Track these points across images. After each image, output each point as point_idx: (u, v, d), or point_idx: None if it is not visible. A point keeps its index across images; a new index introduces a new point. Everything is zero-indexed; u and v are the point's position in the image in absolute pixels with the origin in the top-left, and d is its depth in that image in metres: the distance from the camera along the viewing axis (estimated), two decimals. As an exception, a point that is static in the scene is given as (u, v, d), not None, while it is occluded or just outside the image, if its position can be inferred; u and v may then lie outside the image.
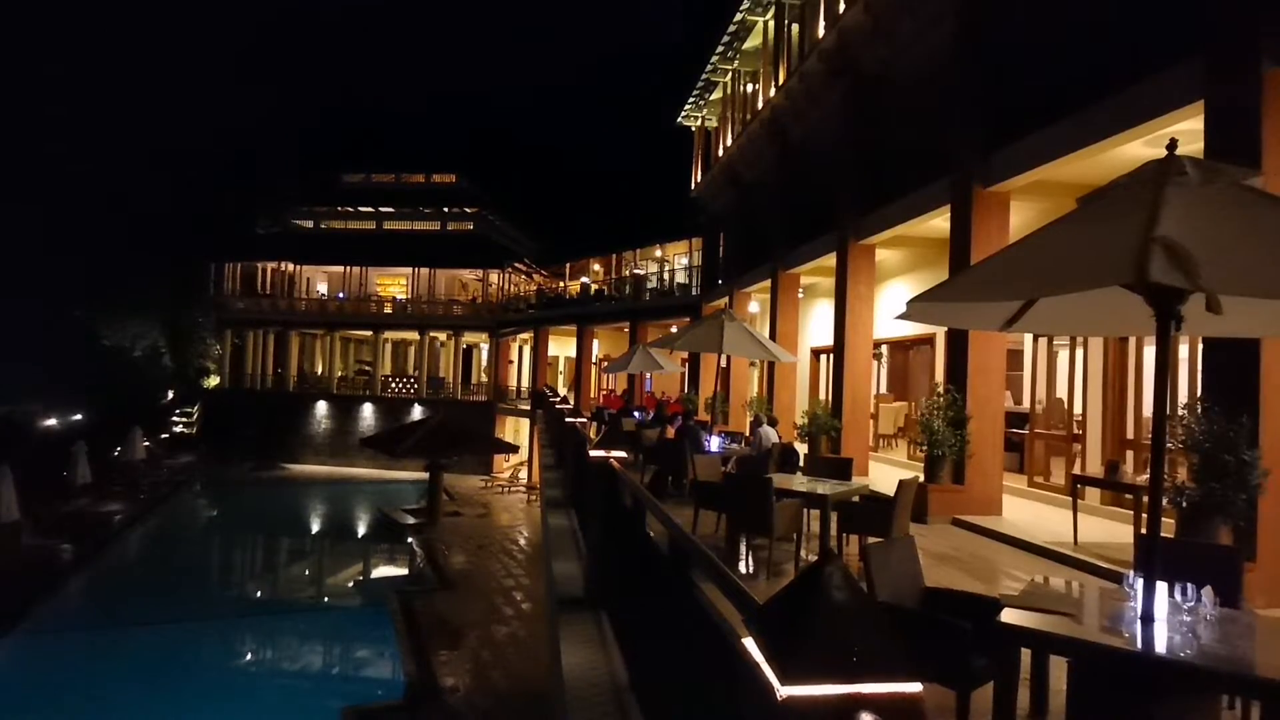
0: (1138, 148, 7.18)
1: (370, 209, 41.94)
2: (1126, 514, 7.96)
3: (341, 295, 39.56)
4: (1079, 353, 10.13)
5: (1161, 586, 3.04)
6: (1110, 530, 7.84)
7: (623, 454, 4.95)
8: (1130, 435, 9.19)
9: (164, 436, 34.11)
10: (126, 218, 47.21)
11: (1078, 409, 10.14)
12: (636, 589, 3.50)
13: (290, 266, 39.89)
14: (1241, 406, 5.27)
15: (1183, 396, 7.76)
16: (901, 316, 3.61)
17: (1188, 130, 6.14)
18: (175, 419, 37.29)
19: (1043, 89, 8.39)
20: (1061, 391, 10.61)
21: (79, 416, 38.56)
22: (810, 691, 1.11)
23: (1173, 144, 3.12)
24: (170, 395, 39.74)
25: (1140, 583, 3.03)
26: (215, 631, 14.84)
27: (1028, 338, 11.35)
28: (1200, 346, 6.39)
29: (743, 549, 6.53)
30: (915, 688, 1.13)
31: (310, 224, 41.94)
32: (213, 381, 38.66)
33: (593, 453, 4.79)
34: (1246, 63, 5.60)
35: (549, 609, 5.38)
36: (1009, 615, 3.01)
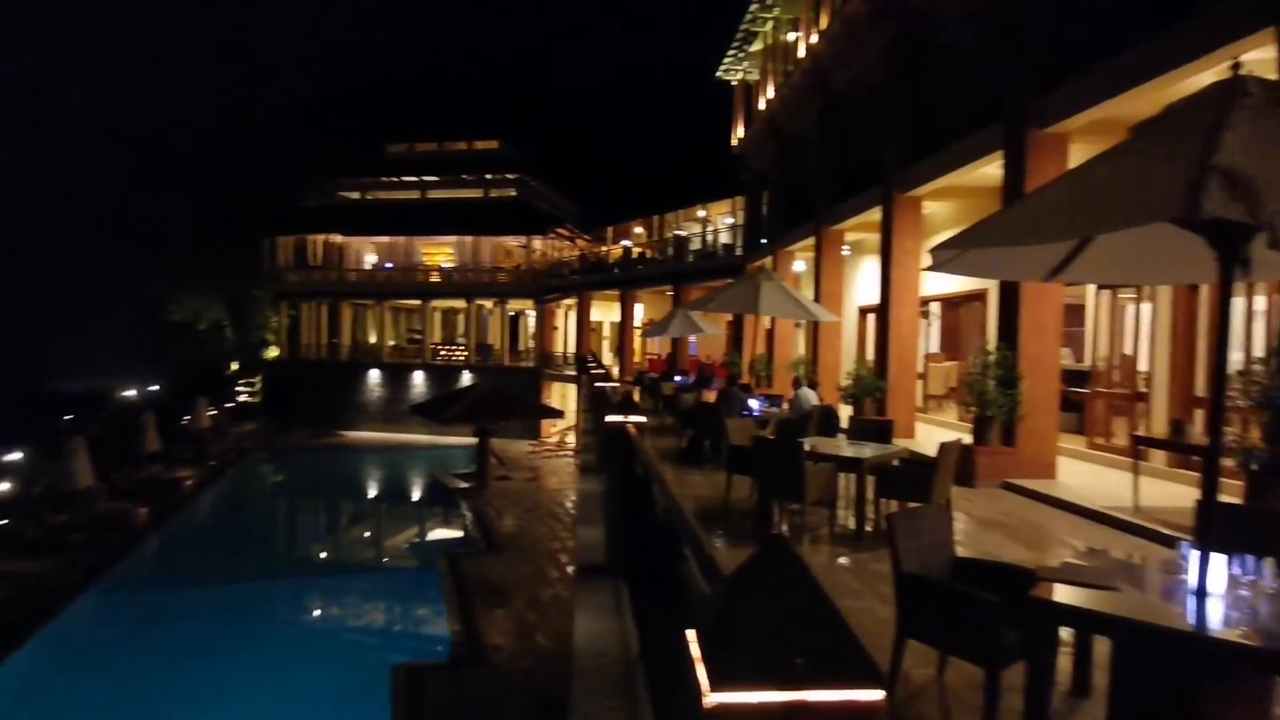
0: (1211, 78, 6.53)
1: (414, 178, 42.17)
2: (1194, 477, 7.48)
3: (389, 265, 40.18)
4: (1145, 306, 9.48)
5: (1221, 558, 2.76)
6: (1175, 494, 7.36)
7: (642, 418, 4.79)
8: (1200, 393, 8.60)
9: (229, 405, 35.64)
10: (180, 198, 48.91)
11: (1143, 365, 9.53)
12: (647, 558, 3.38)
13: (339, 238, 40.63)
14: (1322, 359, 4.80)
15: (1259, 350, 7.18)
16: (930, 268, 3.34)
17: (1268, 59, 5.55)
18: (240, 389, 38.97)
19: (1104, 16, 7.70)
20: (1128, 347, 9.98)
21: (153, 388, 40.75)
22: (743, 699, 0.95)
23: (1237, 65, 2.74)
24: (235, 366, 41.55)
25: (1194, 553, 2.76)
26: (280, 591, 15.45)
27: (1090, 290, 10.69)
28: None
29: (776, 515, 6.35)
30: (875, 695, 0.95)
31: (357, 195, 42.48)
32: (273, 352, 40.04)
33: (608, 418, 4.65)
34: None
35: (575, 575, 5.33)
36: (1043, 589, 2.78)
